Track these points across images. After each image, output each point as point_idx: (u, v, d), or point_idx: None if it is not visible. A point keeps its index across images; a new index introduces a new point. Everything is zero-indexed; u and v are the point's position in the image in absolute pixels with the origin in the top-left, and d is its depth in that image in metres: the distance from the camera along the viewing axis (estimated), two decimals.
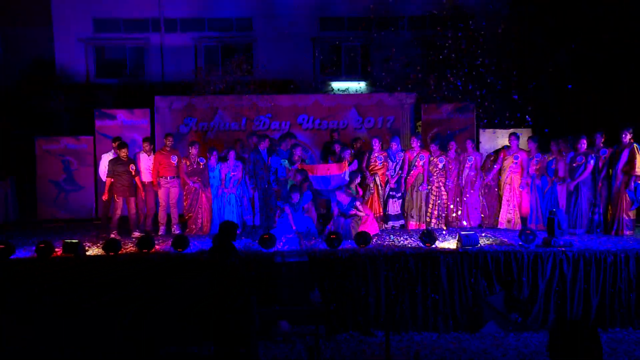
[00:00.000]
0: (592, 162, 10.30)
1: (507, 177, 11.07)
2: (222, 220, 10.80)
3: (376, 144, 11.44)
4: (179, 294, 8.32)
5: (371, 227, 10.15)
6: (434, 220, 11.31)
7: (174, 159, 11.11)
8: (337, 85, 18.89)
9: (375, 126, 13.82)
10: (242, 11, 18.55)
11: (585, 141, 10.44)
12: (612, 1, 15.00)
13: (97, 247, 9.37)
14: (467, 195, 11.36)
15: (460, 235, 9.06)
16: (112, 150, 11.35)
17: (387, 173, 11.39)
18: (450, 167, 11.37)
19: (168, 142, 11.19)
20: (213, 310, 6.75)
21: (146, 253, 8.83)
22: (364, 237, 9.03)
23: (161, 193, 11.10)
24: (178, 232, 10.84)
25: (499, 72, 15.44)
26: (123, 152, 10.74)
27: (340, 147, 11.43)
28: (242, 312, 6.59)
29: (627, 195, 10.09)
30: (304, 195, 10.52)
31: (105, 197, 10.74)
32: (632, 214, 10.19)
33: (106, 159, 11.23)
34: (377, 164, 11.36)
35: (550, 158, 10.93)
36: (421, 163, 11.24)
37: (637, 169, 9.98)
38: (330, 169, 10.82)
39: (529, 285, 8.66)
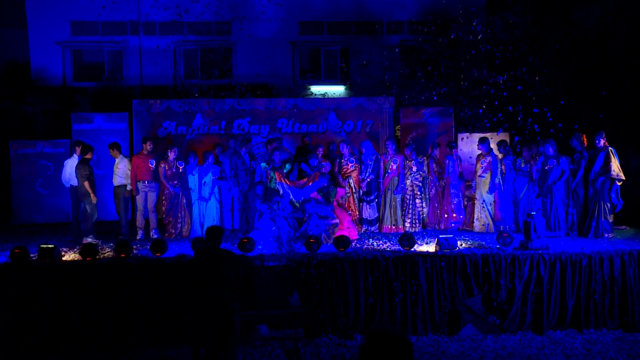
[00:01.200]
0: (565, 164, 10.46)
1: (479, 182, 11.19)
2: (202, 224, 10.84)
3: (344, 149, 11.48)
4: (161, 297, 8.28)
5: (351, 233, 10.17)
6: (407, 223, 11.36)
7: (152, 163, 11.03)
8: (316, 89, 18.93)
9: (355, 130, 13.86)
10: (221, 15, 18.50)
11: (550, 146, 10.57)
12: (588, 6, 15.22)
13: (74, 252, 9.27)
14: (447, 198, 11.48)
15: (438, 238, 9.13)
16: (75, 155, 11.14)
17: (361, 176, 11.42)
18: (426, 170, 11.48)
19: (147, 146, 11.11)
20: (194, 314, 6.69)
21: (124, 258, 8.75)
22: (343, 240, 9.05)
23: (139, 197, 11.02)
24: (156, 236, 10.76)
25: (477, 76, 15.59)
26: (91, 155, 10.65)
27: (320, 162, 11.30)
28: (223, 316, 6.55)
29: (608, 198, 10.23)
30: (283, 197, 10.51)
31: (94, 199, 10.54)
32: (610, 217, 10.36)
33: (71, 164, 11.03)
34: (349, 167, 11.39)
35: (525, 164, 11.11)
36: (395, 166, 11.29)
37: (612, 172, 10.14)
38: (304, 184, 10.85)
39: (507, 288, 8.74)
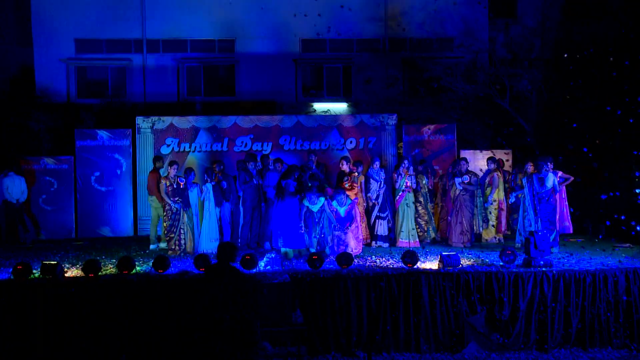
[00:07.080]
0: (553, 181, 10.43)
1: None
2: (204, 240, 10.85)
3: (344, 165, 11.55)
4: (177, 317, 8.22)
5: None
6: (419, 237, 11.51)
7: None
8: (319, 106, 18.99)
9: (357, 147, 13.88)
10: (224, 33, 18.64)
11: (544, 163, 10.57)
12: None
13: (77, 268, 9.26)
14: (450, 215, 11.54)
15: (441, 255, 9.09)
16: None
17: (369, 194, 11.44)
18: (432, 187, 11.58)
19: None
20: (210, 334, 6.54)
21: (126, 274, 8.72)
22: (345, 257, 9.03)
23: None
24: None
25: (480, 94, 15.63)
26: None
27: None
28: (242, 337, 6.42)
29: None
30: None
31: None
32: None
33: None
34: (344, 184, 11.42)
35: (523, 176, 11.17)
36: (409, 182, 11.35)
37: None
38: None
39: (510, 306, 8.68)
